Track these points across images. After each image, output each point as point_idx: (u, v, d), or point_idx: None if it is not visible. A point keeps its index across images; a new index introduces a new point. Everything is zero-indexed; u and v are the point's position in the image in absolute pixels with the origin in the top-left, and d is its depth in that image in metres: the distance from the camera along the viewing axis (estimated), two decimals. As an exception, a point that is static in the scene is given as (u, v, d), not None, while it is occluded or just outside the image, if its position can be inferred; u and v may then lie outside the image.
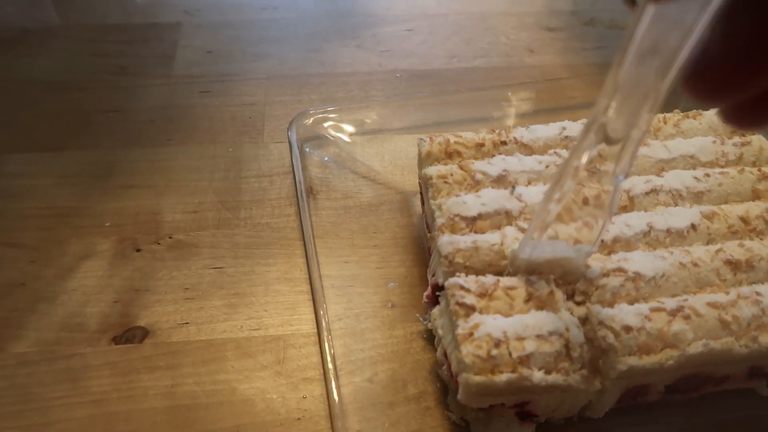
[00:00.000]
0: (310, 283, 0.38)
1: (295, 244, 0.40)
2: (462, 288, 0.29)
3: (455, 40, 0.57)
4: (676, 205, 0.33)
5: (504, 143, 0.36)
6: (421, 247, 0.40)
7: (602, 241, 0.31)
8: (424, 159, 0.36)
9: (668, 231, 0.32)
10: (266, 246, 0.40)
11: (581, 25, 0.60)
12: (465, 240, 0.31)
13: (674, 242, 0.32)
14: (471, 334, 0.27)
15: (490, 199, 0.33)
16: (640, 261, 0.30)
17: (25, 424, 0.32)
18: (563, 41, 0.58)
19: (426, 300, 0.34)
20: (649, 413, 0.32)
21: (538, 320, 0.28)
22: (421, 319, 0.36)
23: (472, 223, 0.32)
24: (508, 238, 0.31)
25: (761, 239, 0.32)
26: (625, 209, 0.33)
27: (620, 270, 0.30)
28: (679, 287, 0.30)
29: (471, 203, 0.32)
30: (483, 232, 0.32)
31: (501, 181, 0.34)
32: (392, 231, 0.41)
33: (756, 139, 0.37)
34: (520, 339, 0.27)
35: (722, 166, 0.35)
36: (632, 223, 0.32)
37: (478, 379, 0.27)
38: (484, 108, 0.49)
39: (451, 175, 0.34)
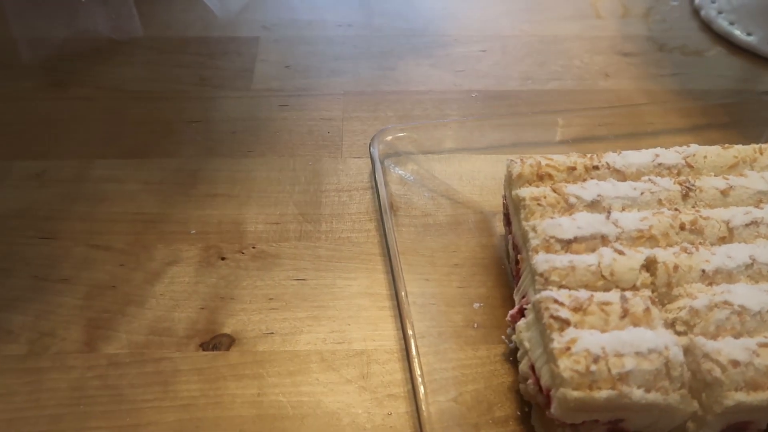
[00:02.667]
0: (392, 299, 0.38)
1: (375, 260, 0.40)
2: (556, 301, 0.29)
3: (528, 62, 0.57)
4: (777, 237, 0.33)
5: (596, 168, 0.36)
6: (502, 269, 0.39)
7: (703, 271, 0.31)
8: (515, 180, 0.36)
9: (771, 264, 0.31)
10: (347, 260, 0.40)
11: (657, 51, 0.59)
12: (561, 259, 0.31)
13: (778, 276, 0.31)
14: (568, 348, 0.28)
15: (586, 222, 0.32)
16: (745, 294, 0.29)
17: (118, 425, 0.32)
18: (638, 66, 0.57)
19: (510, 320, 0.34)
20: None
21: (636, 337, 0.28)
22: (506, 340, 0.35)
23: (568, 245, 0.32)
24: (605, 259, 0.31)
25: None
26: (723, 240, 0.33)
27: (726, 303, 0.29)
28: (787, 323, 0.29)
29: (566, 226, 0.32)
30: (578, 254, 0.31)
31: (595, 205, 0.34)
32: (472, 250, 0.41)
33: None
34: (619, 355, 0.27)
35: (823, 199, 0.34)
36: (734, 254, 0.31)
37: (576, 394, 0.27)
38: (560, 131, 0.49)
39: (545, 197, 0.34)
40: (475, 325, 0.36)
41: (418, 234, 0.41)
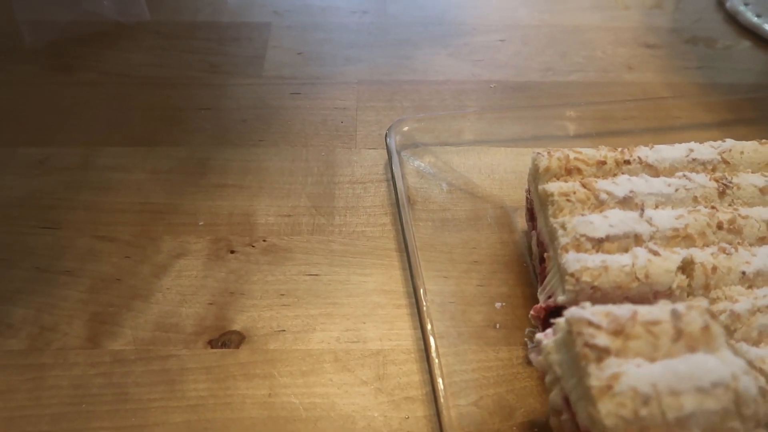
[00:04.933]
0: (409, 297, 0.36)
1: (391, 255, 0.39)
2: (590, 324, 0.24)
3: (549, 52, 0.55)
4: (820, 239, 0.31)
5: (627, 162, 0.34)
6: (524, 267, 0.38)
7: (743, 273, 0.29)
8: (542, 174, 0.34)
9: (816, 267, 0.29)
10: (362, 255, 0.39)
11: (682, 43, 0.57)
12: (593, 259, 0.29)
13: (823, 280, 0.29)
14: (610, 387, 0.23)
15: (619, 220, 0.31)
16: (789, 298, 0.28)
17: (123, 425, 0.31)
18: (663, 59, 0.55)
19: (533, 314, 0.32)
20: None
21: (694, 366, 0.23)
22: (529, 343, 0.34)
23: (599, 244, 0.30)
24: (640, 260, 0.29)
25: None
26: (763, 240, 0.31)
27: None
28: (834, 330, 0.27)
29: (598, 224, 0.30)
30: (610, 254, 0.30)
31: (627, 202, 0.32)
32: (492, 247, 0.39)
33: None
34: (675, 394, 0.22)
35: None
36: (776, 256, 0.29)
37: None
38: (583, 124, 0.47)
39: (574, 193, 0.32)
40: (497, 326, 0.35)
41: (435, 229, 0.40)
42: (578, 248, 0.30)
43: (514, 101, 0.50)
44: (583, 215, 0.31)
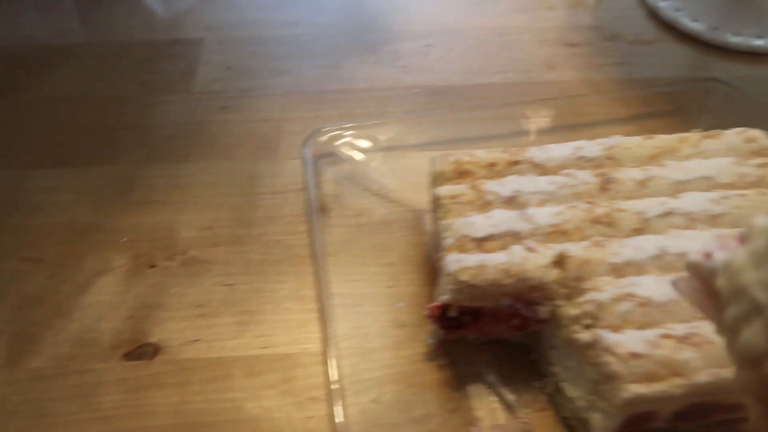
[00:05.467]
0: (320, 302, 0.38)
1: (306, 262, 0.40)
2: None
3: (473, 55, 0.57)
4: (691, 228, 0.33)
5: (517, 163, 0.36)
6: (432, 266, 0.39)
7: (612, 263, 0.31)
8: (436, 178, 0.36)
9: (682, 255, 0.31)
10: (278, 263, 0.40)
11: (602, 41, 0.59)
12: (472, 258, 0.31)
13: (689, 267, 0.31)
14: None
15: (500, 220, 0.32)
16: (651, 285, 0.29)
17: (38, 438, 0.32)
18: (583, 57, 0.57)
19: (427, 315, 0.34)
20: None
21: None
22: (428, 339, 0.35)
23: (481, 243, 0.32)
24: (515, 257, 0.31)
25: (780, 265, 0.31)
26: (638, 231, 0.33)
27: (630, 295, 0.29)
28: (691, 313, 0.29)
29: (480, 224, 0.32)
30: (491, 253, 0.31)
31: (512, 202, 0.34)
32: (403, 249, 0.41)
33: (778, 160, 0.36)
34: None
35: (741, 188, 0.34)
36: (644, 246, 0.31)
37: None
38: (500, 125, 0.49)
39: (462, 195, 0.34)
40: (402, 325, 0.36)
41: (350, 234, 0.41)
42: (461, 249, 0.32)
43: (436, 105, 0.52)
44: (467, 216, 0.33)
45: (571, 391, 0.31)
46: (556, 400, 0.33)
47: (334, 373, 0.32)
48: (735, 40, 0.57)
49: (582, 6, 0.63)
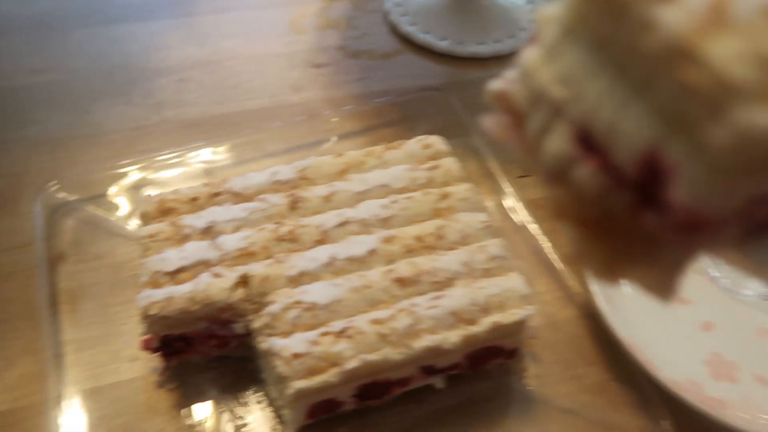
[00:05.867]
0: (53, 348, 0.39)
1: (42, 314, 0.41)
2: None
3: (226, 85, 0.60)
4: (365, 233, 0.38)
5: (218, 194, 0.39)
6: (166, 298, 0.42)
7: (289, 276, 0.35)
8: (142, 218, 0.38)
9: (350, 259, 0.36)
10: (14, 320, 0.41)
11: (347, 59, 0.64)
12: (161, 292, 0.34)
13: (355, 268, 0.36)
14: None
15: (192, 251, 0.36)
16: (319, 291, 0.34)
17: None
18: (328, 76, 0.62)
19: (142, 347, 0.36)
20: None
21: None
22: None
23: (174, 276, 0.35)
24: (200, 285, 0.34)
25: (430, 254, 0.36)
26: (320, 242, 0.37)
27: (298, 302, 0.33)
28: (353, 309, 0.34)
29: (172, 258, 0.35)
30: (182, 284, 0.34)
31: (207, 232, 0.37)
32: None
33: (447, 162, 0.42)
34: None
35: (412, 191, 0.40)
36: (318, 255, 0.36)
37: None
38: (244, 152, 0.52)
39: (161, 232, 0.37)
40: (134, 359, 0.39)
41: (90, 278, 0.43)
42: (155, 284, 0.35)
43: (189, 138, 0.54)
44: (162, 252, 0.36)
45: (272, 392, 0.35)
46: (269, 402, 0.37)
47: (55, 423, 0.34)
48: (460, 48, 0.64)
49: (332, 27, 0.68)
